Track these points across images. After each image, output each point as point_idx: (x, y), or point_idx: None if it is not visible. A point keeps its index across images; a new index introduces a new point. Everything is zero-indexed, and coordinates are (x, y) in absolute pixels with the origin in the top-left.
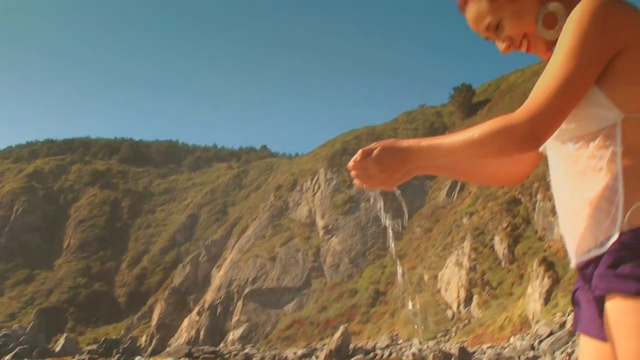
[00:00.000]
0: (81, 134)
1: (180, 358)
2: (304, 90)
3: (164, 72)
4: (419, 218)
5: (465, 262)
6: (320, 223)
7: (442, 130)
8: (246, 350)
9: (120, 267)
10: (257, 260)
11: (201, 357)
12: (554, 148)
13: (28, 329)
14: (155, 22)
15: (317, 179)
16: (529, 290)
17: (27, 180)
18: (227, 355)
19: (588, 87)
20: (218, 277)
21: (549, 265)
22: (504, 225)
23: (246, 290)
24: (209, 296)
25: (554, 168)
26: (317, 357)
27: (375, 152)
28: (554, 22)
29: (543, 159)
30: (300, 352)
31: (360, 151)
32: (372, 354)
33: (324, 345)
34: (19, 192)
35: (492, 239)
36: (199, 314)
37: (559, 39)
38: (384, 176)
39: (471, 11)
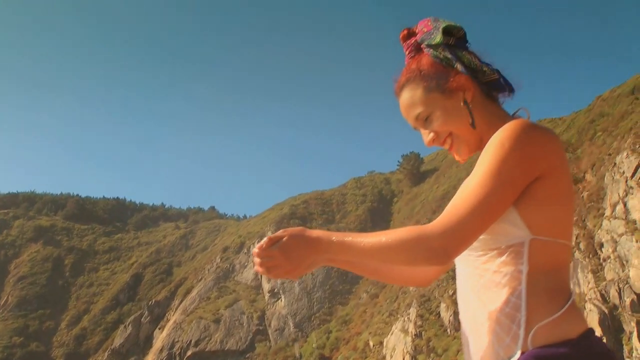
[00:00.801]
0: (26, 189)
1: None
2: (254, 153)
3: (115, 128)
4: (366, 284)
5: (411, 329)
6: (266, 286)
7: (391, 196)
8: None
9: (60, 327)
10: (201, 322)
11: None
12: (462, 256)
13: None
14: (103, 76)
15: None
16: None
17: None
18: None
19: (504, 210)
20: (160, 338)
21: None
22: (450, 292)
23: (188, 353)
24: (149, 358)
25: (460, 276)
26: None
27: (283, 240)
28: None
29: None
30: None
31: (266, 238)
32: None
33: None
34: None
35: (438, 306)
36: None
37: (480, 157)
38: (290, 266)
39: (405, 97)
